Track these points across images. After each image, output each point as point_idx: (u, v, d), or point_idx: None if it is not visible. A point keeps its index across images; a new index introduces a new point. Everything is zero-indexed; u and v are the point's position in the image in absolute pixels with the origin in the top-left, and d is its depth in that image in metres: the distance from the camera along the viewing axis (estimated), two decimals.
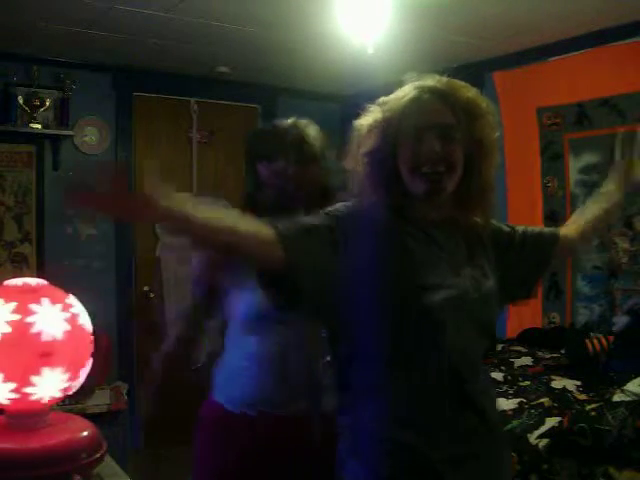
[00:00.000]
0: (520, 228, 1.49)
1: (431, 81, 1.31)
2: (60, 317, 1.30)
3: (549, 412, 2.35)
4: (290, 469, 1.62)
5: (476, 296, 1.29)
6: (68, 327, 1.31)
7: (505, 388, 2.65)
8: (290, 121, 1.74)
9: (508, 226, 1.48)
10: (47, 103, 3.79)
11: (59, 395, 1.34)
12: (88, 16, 3.07)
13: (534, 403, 2.44)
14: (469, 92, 1.32)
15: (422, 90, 1.29)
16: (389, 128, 1.29)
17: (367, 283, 1.22)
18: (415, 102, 1.28)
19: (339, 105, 4.83)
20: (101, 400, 3.64)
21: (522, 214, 3.51)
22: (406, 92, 1.31)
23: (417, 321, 1.23)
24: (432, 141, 1.25)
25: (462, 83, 1.33)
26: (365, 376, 1.26)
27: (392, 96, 1.33)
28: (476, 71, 3.82)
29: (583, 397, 2.48)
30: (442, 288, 1.25)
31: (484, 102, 1.33)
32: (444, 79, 1.32)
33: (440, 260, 1.29)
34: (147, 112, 4.29)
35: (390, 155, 1.29)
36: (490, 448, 1.30)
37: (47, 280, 1.37)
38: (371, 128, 1.32)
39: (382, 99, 1.35)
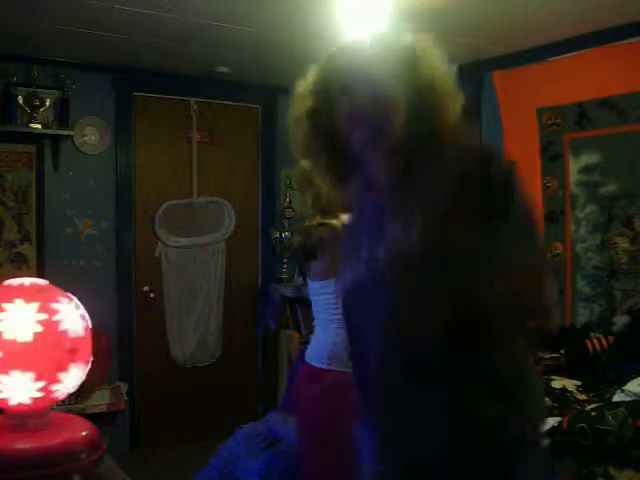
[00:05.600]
0: None
1: None
2: (78, 315, 1.31)
3: (549, 412, 2.35)
4: None
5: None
6: (85, 324, 1.32)
7: None
8: None
9: None
10: (47, 103, 3.80)
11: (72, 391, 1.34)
12: (88, 16, 3.07)
13: None
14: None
15: None
16: None
17: None
18: None
19: None
20: (101, 400, 3.64)
21: None
22: None
23: None
24: None
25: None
26: None
27: None
28: (476, 71, 3.81)
29: (583, 397, 2.48)
30: None
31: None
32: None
33: None
34: (147, 112, 4.28)
35: None
36: None
37: (48, 280, 1.37)
38: None
39: None
